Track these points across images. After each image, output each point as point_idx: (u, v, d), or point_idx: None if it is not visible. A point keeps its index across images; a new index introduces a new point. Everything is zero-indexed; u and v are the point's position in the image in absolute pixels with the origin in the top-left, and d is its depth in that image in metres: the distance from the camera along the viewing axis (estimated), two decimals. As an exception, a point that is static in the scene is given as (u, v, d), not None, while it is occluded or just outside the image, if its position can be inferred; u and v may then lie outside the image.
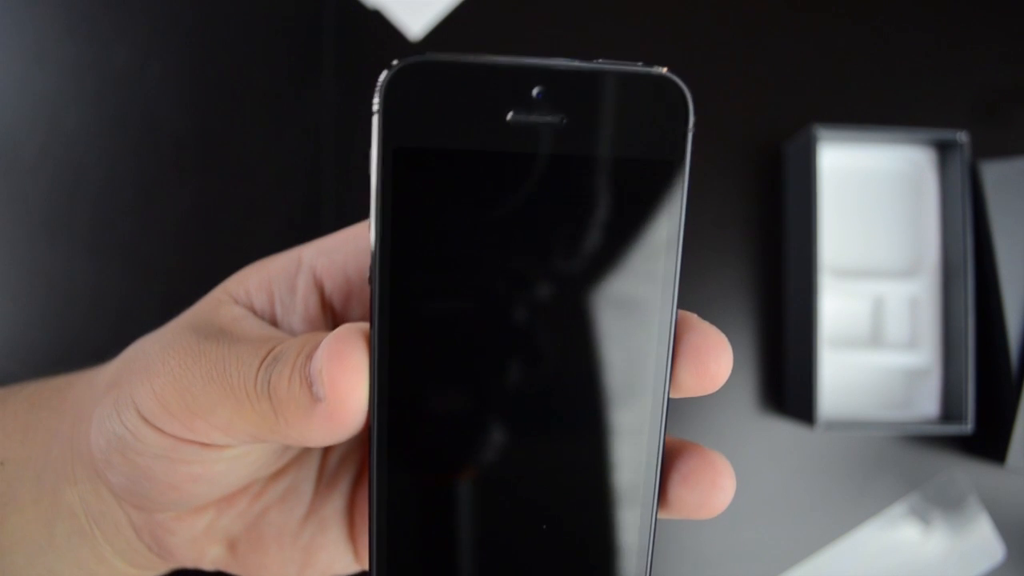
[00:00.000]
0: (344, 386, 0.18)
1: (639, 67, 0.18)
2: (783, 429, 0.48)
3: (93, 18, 0.49)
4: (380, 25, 0.49)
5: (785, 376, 0.48)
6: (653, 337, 0.19)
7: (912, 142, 0.47)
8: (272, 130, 0.49)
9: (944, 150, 0.47)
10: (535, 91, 0.18)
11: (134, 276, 0.48)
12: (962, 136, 0.45)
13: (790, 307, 0.48)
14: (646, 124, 0.18)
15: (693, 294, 0.48)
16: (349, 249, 0.23)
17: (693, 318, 0.19)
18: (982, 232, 0.46)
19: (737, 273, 0.49)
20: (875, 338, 0.48)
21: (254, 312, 0.23)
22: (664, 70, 0.18)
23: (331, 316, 0.24)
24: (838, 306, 0.47)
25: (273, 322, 0.23)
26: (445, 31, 0.49)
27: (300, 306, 0.23)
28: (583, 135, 0.18)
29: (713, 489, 0.19)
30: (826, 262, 0.47)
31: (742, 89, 0.49)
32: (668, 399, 0.19)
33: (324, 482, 0.25)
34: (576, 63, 0.18)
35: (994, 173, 0.45)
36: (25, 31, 0.48)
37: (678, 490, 0.20)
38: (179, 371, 0.20)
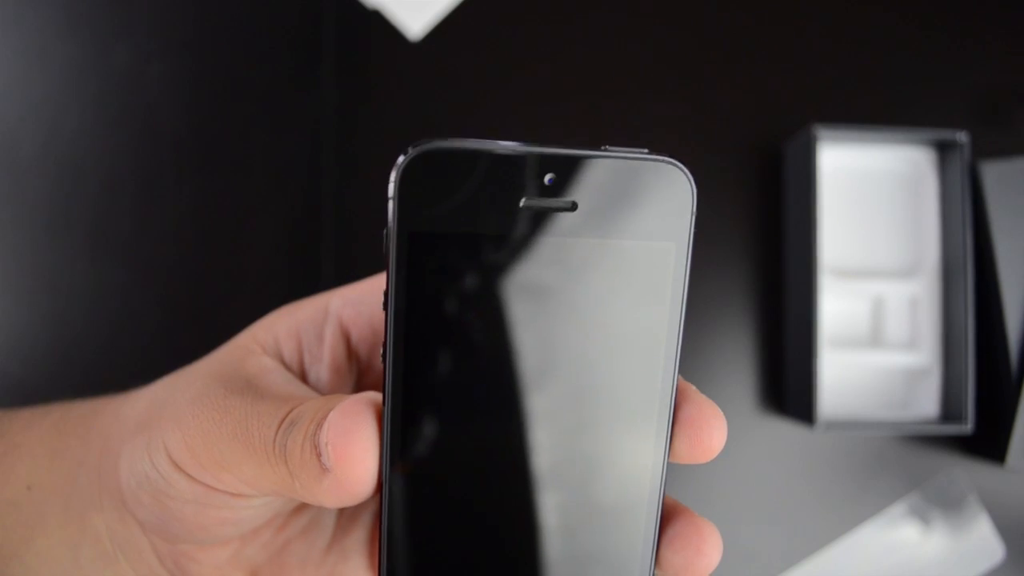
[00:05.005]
0: (350, 459, 0.18)
1: (646, 155, 0.19)
2: (783, 429, 0.48)
3: (94, 18, 0.49)
4: (380, 25, 0.49)
5: (785, 376, 0.48)
6: (654, 410, 0.20)
7: (912, 142, 0.47)
8: (272, 130, 0.49)
9: (944, 150, 0.47)
10: (547, 178, 0.19)
11: (134, 276, 0.48)
12: (962, 136, 0.45)
13: (790, 307, 0.48)
14: (652, 209, 0.19)
15: (693, 294, 0.48)
16: (375, 300, 0.23)
17: (691, 390, 0.21)
18: (982, 232, 0.46)
19: (737, 273, 0.49)
20: (875, 338, 0.48)
21: (282, 361, 0.23)
22: (670, 159, 0.19)
23: (356, 365, 0.24)
24: (838, 306, 0.47)
25: (301, 370, 0.24)
26: (445, 31, 0.49)
27: (327, 355, 0.24)
28: (592, 220, 0.19)
29: (698, 555, 0.20)
30: (826, 262, 0.47)
31: (742, 89, 0.49)
32: (666, 467, 0.21)
33: (346, 515, 0.25)
34: (587, 152, 0.19)
35: (994, 173, 0.45)
36: (26, 31, 0.48)
37: (664, 551, 0.21)
38: (207, 425, 0.21)
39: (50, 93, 0.48)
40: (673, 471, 0.21)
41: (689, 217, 0.20)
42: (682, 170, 0.19)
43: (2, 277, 0.47)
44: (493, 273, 0.19)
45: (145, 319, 0.48)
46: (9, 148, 0.48)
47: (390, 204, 0.18)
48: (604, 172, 0.19)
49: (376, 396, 0.20)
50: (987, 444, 0.46)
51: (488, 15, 0.49)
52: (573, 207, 0.19)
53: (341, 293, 0.24)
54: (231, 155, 0.49)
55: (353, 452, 0.18)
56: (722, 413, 0.20)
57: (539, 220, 0.19)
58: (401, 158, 0.18)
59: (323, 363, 0.24)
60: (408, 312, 0.19)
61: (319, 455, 0.19)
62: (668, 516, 0.21)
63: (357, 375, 0.25)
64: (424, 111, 0.49)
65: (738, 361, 0.48)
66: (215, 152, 0.49)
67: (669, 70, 0.50)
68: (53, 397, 0.27)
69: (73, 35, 0.48)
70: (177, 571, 0.23)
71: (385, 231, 0.19)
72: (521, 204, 0.19)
